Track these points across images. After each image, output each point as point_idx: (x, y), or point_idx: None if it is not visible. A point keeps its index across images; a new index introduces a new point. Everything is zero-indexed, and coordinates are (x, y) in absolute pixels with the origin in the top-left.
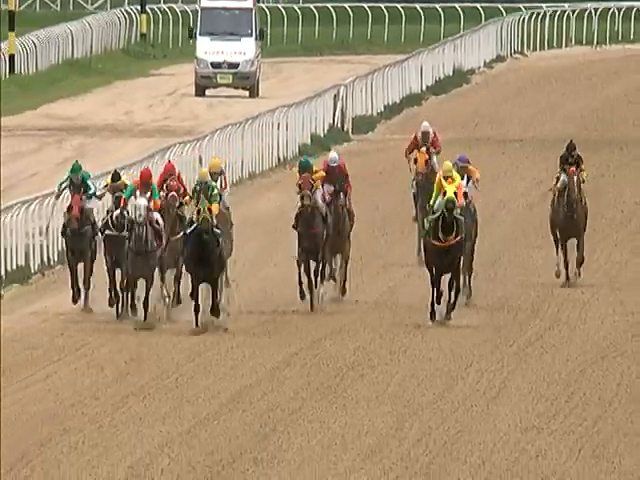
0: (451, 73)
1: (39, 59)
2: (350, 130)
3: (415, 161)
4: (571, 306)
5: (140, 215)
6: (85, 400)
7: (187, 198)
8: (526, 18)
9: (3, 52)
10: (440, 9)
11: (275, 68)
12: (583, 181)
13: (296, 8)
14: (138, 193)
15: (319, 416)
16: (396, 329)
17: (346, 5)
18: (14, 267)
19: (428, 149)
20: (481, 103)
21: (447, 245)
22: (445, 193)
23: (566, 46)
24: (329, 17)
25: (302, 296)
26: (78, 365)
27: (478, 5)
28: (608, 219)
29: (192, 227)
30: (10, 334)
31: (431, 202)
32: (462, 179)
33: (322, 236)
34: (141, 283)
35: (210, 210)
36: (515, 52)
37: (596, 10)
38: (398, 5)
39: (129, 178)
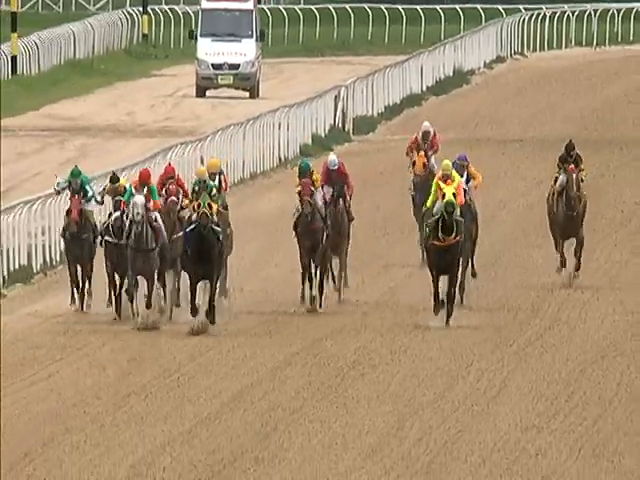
0: (451, 74)
1: (41, 60)
2: (351, 130)
3: (413, 164)
4: (571, 306)
5: (138, 213)
6: (87, 399)
7: (186, 202)
8: (526, 19)
9: (5, 52)
10: (440, 10)
11: (276, 69)
12: (582, 180)
13: (297, 9)
14: (135, 191)
15: (320, 415)
16: (397, 329)
17: (347, 6)
18: (17, 267)
19: (426, 152)
20: (481, 103)
21: (446, 245)
22: (444, 196)
23: (566, 47)
24: (330, 18)
25: (303, 297)
26: (80, 364)
27: (478, 6)
28: (608, 219)
29: (191, 225)
30: (13, 333)
31: (428, 204)
32: (461, 177)
33: (322, 234)
34: (141, 284)
35: (210, 206)
36: (515, 53)
37: (596, 11)
38: (399, 6)
39: (129, 180)
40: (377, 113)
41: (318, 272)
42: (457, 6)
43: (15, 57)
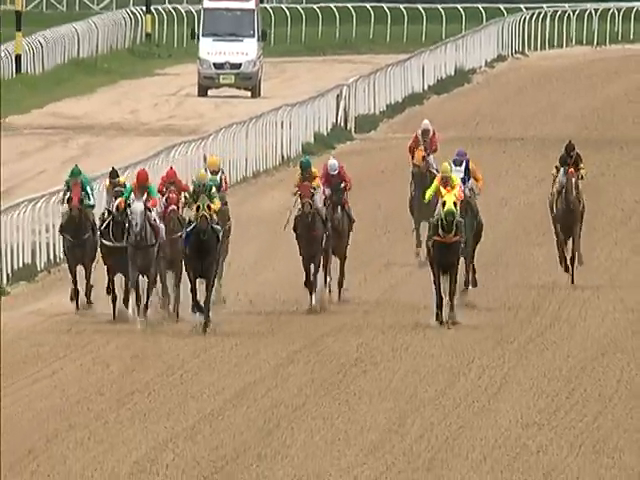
0: (453, 73)
1: (45, 59)
2: (353, 129)
3: (413, 156)
4: (572, 304)
5: (137, 224)
6: (91, 396)
7: (183, 201)
8: (527, 18)
9: (9, 51)
10: (442, 9)
11: (279, 68)
12: (582, 177)
13: (299, 8)
14: (133, 197)
15: (322, 412)
16: (398, 326)
17: (349, 5)
18: (21, 265)
19: (426, 149)
20: (482, 102)
21: (448, 241)
22: (444, 203)
23: (566, 46)
24: (332, 17)
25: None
26: (84, 362)
27: (479, 5)
28: (608, 217)
29: (191, 226)
30: (17, 331)
31: (426, 197)
32: (459, 166)
33: (322, 239)
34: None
35: (209, 207)
36: (516, 52)
37: (596, 10)
38: (400, 5)
39: (130, 180)
40: (379, 112)
41: (318, 274)
42: (458, 5)
43: (19, 56)
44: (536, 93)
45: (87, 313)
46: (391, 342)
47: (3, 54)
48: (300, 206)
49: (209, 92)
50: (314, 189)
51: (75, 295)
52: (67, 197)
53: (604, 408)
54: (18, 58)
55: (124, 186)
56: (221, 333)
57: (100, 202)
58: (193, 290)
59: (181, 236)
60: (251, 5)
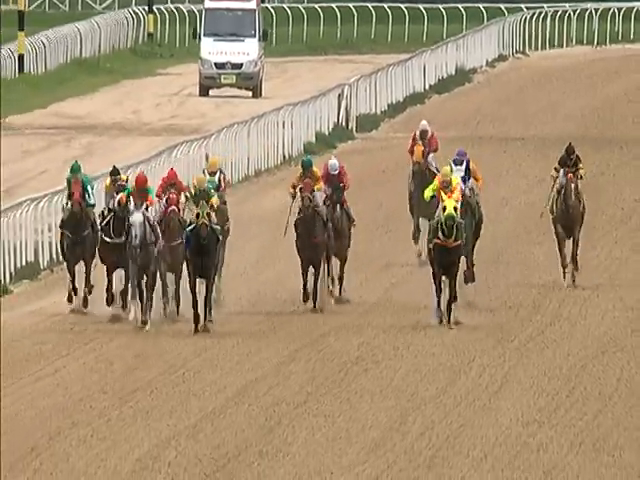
0: (454, 72)
1: (48, 58)
2: (354, 128)
3: (412, 153)
4: (572, 302)
5: (136, 236)
6: (93, 394)
7: (183, 201)
8: (527, 18)
9: (12, 51)
10: (443, 9)
11: (280, 67)
12: (581, 177)
13: (301, 8)
14: (133, 206)
15: (324, 410)
16: (399, 325)
17: (350, 5)
18: (24, 263)
19: (425, 146)
20: (483, 102)
21: (448, 245)
22: (445, 208)
23: (567, 46)
24: (333, 17)
25: (305, 299)
26: (87, 360)
27: (480, 5)
28: (608, 216)
29: (191, 227)
30: (19, 329)
31: (425, 196)
32: (459, 167)
33: (323, 245)
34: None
35: (209, 215)
36: (517, 51)
37: (596, 10)
38: (402, 5)
39: (130, 179)
40: (380, 111)
41: (317, 274)
42: (459, 5)
43: (22, 56)
44: (537, 93)
45: (84, 312)
46: (392, 341)
47: (6, 54)
48: (300, 203)
49: (210, 92)
50: (314, 189)
51: (73, 293)
52: (68, 193)
53: (604, 406)
54: (21, 58)
55: (126, 181)
56: (222, 332)
57: (100, 202)
58: (193, 289)
59: (181, 243)
60: (252, 5)
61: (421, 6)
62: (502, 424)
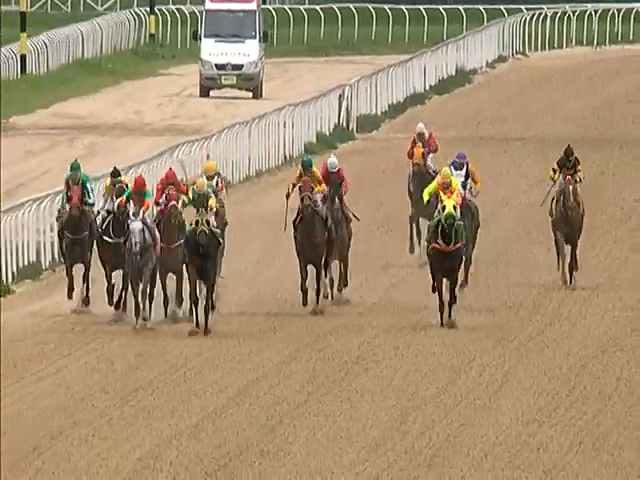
0: (454, 73)
1: (50, 59)
2: (355, 129)
3: (412, 155)
4: (572, 302)
5: (136, 243)
6: (95, 394)
7: (182, 201)
8: (527, 19)
9: (14, 51)
10: (443, 10)
11: (281, 68)
12: (580, 180)
13: (302, 9)
14: (132, 212)
15: (324, 409)
16: (400, 325)
17: (351, 6)
18: (26, 263)
19: (424, 147)
20: (483, 102)
21: (447, 250)
22: (444, 207)
23: (567, 46)
24: (334, 18)
25: (305, 302)
26: (88, 359)
27: (480, 6)
28: (608, 216)
29: (190, 228)
30: (21, 329)
31: (425, 197)
32: (460, 171)
33: (323, 245)
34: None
35: (208, 222)
36: (517, 52)
37: (596, 11)
38: (402, 6)
39: (131, 180)
40: (381, 112)
41: (319, 274)
42: (460, 6)
43: (24, 56)
44: (537, 93)
45: (84, 311)
46: (393, 340)
47: (9, 54)
48: (299, 203)
49: (211, 93)
50: (313, 188)
51: (70, 293)
52: (67, 195)
53: (604, 406)
54: (23, 58)
55: (126, 185)
56: (223, 332)
57: (99, 202)
58: (192, 292)
59: (180, 245)
60: (253, 6)
61: (421, 7)
62: (502, 423)
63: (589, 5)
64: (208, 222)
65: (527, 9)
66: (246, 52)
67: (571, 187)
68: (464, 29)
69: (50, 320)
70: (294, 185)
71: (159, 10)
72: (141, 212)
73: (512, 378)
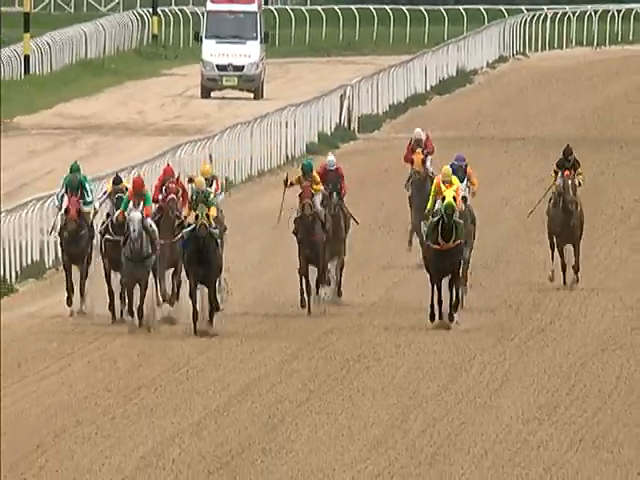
0: (455, 73)
1: (53, 59)
2: (356, 129)
3: (412, 162)
4: (572, 301)
5: (134, 230)
6: (98, 392)
7: (186, 212)
8: (527, 20)
9: (17, 52)
10: (444, 11)
11: (283, 68)
12: (579, 184)
13: (304, 10)
14: (131, 205)
15: (326, 408)
16: (401, 323)
17: (352, 7)
18: (29, 262)
19: (423, 151)
20: (484, 103)
21: (445, 249)
22: (444, 198)
23: (567, 47)
24: (336, 19)
25: (303, 304)
26: (91, 358)
27: (481, 7)
28: (608, 216)
29: (190, 228)
30: (24, 328)
31: (428, 206)
32: (460, 177)
33: (322, 243)
34: (136, 289)
35: (208, 216)
36: (517, 53)
37: (596, 12)
38: (403, 7)
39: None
40: (382, 112)
41: (317, 277)
42: (460, 7)
43: (28, 57)
44: (537, 94)
45: (83, 313)
46: (394, 339)
47: (12, 55)
48: (299, 207)
49: (212, 94)
50: (314, 192)
51: (69, 293)
52: (65, 208)
53: (604, 404)
54: (27, 59)
55: (126, 189)
56: (226, 331)
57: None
58: (192, 295)
59: (178, 240)
60: (254, 8)
61: (422, 8)
62: (503, 421)
63: (589, 6)
64: (208, 216)
65: (527, 10)
66: (247, 53)
67: (570, 181)
68: (465, 30)
69: (53, 319)
70: (292, 184)
71: (162, 11)
72: (141, 204)
73: (512, 376)
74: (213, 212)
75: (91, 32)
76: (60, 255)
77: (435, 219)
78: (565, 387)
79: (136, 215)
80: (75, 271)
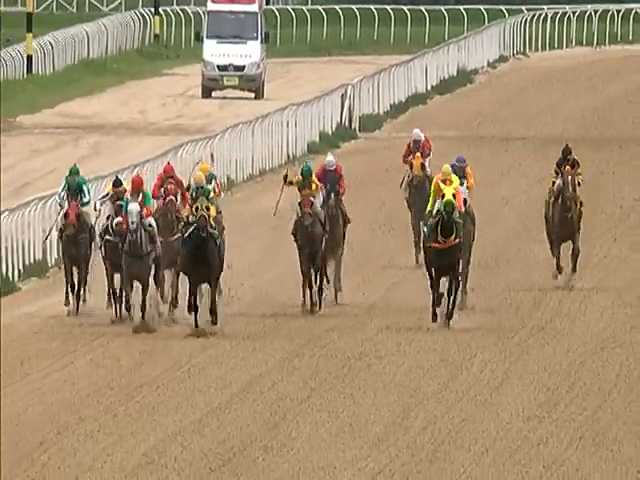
0: (455, 73)
1: (56, 59)
2: (357, 128)
3: (411, 165)
4: (571, 299)
5: (133, 222)
6: (100, 390)
7: (185, 211)
8: (528, 19)
9: (20, 52)
10: (444, 11)
11: (284, 68)
12: (579, 184)
13: (305, 9)
14: (130, 197)
15: (327, 405)
16: (402, 322)
17: (353, 7)
18: (32, 261)
19: (422, 154)
20: (484, 102)
21: (446, 247)
22: (444, 196)
23: (567, 47)
24: (337, 18)
25: (305, 303)
26: (94, 356)
27: (481, 7)
28: (607, 215)
29: (190, 228)
30: (28, 326)
31: (428, 207)
32: (460, 178)
33: (321, 241)
34: (136, 289)
35: (208, 208)
36: (517, 53)
37: (596, 12)
38: (404, 7)
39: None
40: (383, 111)
41: (317, 277)
42: (461, 7)
43: (30, 57)
44: (537, 93)
45: (81, 315)
46: (395, 337)
47: (15, 55)
48: (298, 211)
49: (213, 94)
50: (314, 197)
51: (68, 293)
52: (64, 212)
53: (603, 401)
54: (29, 59)
55: (125, 190)
56: (227, 329)
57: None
58: (191, 294)
59: (178, 238)
60: (254, 8)
61: (423, 8)
62: (503, 419)
63: (589, 6)
64: (208, 208)
65: (528, 10)
66: (248, 53)
67: (570, 177)
68: (465, 29)
69: (56, 317)
70: (291, 183)
71: (164, 11)
72: (140, 197)
73: (513, 374)
74: (213, 212)
75: (93, 32)
76: (61, 256)
77: (435, 219)
78: (565, 385)
79: (134, 207)
80: (75, 272)
